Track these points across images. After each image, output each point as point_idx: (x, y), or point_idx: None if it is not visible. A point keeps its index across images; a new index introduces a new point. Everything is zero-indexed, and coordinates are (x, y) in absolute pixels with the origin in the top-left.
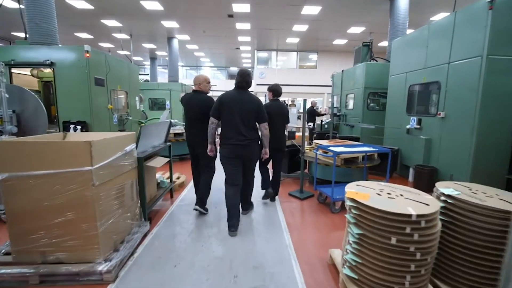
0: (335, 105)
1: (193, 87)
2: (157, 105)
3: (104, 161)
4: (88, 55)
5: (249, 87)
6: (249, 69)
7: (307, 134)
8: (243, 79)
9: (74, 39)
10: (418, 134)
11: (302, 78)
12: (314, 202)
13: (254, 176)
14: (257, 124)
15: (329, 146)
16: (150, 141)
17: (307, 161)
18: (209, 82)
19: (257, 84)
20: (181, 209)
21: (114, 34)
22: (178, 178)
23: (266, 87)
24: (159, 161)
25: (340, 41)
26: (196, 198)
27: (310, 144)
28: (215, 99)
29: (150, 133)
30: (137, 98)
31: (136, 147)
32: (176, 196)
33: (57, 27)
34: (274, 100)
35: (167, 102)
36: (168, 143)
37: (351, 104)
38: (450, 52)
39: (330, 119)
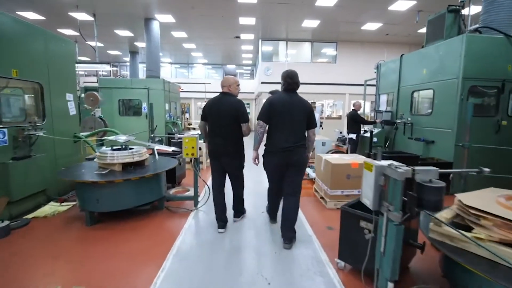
0: (384, 108)
1: (223, 89)
2: (131, 109)
3: None
4: None
5: (298, 89)
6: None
7: (350, 158)
8: (294, 80)
9: None
10: None
11: (317, 75)
12: None
13: (300, 190)
14: None
15: None
16: None
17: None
18: (239, 85)
19: (262, 83)
20: None
21: (71, 14)
22: None
23: (273, 86)
24: None
25: (372, 25)
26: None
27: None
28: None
29: None
30: (69, 97)
31: None
32: None
33: None
34: None
35: (144, 105)
36: None
37: (425, 107)
38: None
39: (379, 128)
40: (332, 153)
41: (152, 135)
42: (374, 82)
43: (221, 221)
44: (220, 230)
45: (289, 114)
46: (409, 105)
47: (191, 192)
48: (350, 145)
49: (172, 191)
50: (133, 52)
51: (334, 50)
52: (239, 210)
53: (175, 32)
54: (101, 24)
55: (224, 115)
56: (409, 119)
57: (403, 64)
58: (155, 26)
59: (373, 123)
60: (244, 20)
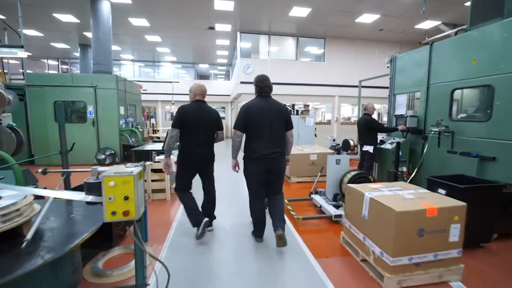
0: (404, 112)
1: (198, 97)
2: (74, 113)
3: None
4: None
5: (271, 92)
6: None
7: (414, 196)
8: (265, 84)
9: None
10: None
11: (302, 75)
12: None
13: (283, 194)
14: None
15: None
16: None
17: None
18: None
19: (241, 82)
20: None
21: None
22: None
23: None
24: None
25: (368, 17)
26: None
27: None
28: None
29: None
30: None
31: None
32: None
33: None
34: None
35: (90, 109)
36: None
37: (475, 109)
38: None
39: (401, 138)
40: (358, 179)
41: (40, 170)
42: (370, 83)
43: (200, 222)
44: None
45: (268, 121)
46: (448, 108)
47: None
48: (366, 160)
49: (102, 262)
50: (84, 45)
51: (322, 47)
52: (212, 217)
53: (133, 18)
54: (32, 4)
55: (209, 123)
56: (449, 126)
57: (435, 54)
58: (105, 7)
59: (394, 130)
60: (221, 4)
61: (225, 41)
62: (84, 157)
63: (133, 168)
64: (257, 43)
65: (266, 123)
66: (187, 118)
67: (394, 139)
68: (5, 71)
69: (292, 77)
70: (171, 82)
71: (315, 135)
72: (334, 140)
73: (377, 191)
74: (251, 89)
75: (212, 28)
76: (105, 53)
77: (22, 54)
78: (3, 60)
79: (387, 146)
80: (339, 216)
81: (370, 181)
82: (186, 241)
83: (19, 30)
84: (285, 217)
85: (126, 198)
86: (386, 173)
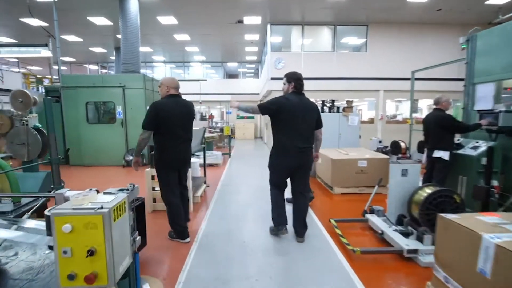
0: (490, 106)
1: (172, 91)
2: (106, 114)
3: None
4: None
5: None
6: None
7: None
8: (303, 83)
9: None
10: None
11: (341, 68)
12: None
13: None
14: None
15: None
16: None
17: None
18: None
19: (272, 78)
20: None
21: None
22: None
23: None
24: None
25: None
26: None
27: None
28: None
29: None
30: None
31: None
32: None
33: None
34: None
35: (119, 109)
36: None
37: None
38: None
39: (488, 141)
40: (438, 199)
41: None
42: (422, 74)
43: (184, 237)
44: (188, 239)
45: (302, 116)
46: None
47: None
48: (437, 169)
49: None
50: (119, 49)
51: (363, 36)
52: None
53: (161, 16)
54: (67, 8)
55: (188, 118)
56: None
57: None
58: (133, 6)
59: (477, 127)
60: None
61: (255, 36)
62: (112, 158)
63: (109, 197)
64: (289, 37)
65: (300, 119)
66: (164, 116)
67: (477, 142)
68: (54, 77)
69: (329, 71)
70: (198, 80)
71: (359, 136)
72: (380, 141)
73: (503, 232)
74: (281, 85)
75: (240, 21)
76: (133, 52)
77: (46, 53)
78: (51, 66)
79: (468, 151)
80: (414, 251)
81: (457, 202)
82: (208, 273)
83: (59, 35)
84: (333, 243)
85: (90, 253)
86: (471, 189)
